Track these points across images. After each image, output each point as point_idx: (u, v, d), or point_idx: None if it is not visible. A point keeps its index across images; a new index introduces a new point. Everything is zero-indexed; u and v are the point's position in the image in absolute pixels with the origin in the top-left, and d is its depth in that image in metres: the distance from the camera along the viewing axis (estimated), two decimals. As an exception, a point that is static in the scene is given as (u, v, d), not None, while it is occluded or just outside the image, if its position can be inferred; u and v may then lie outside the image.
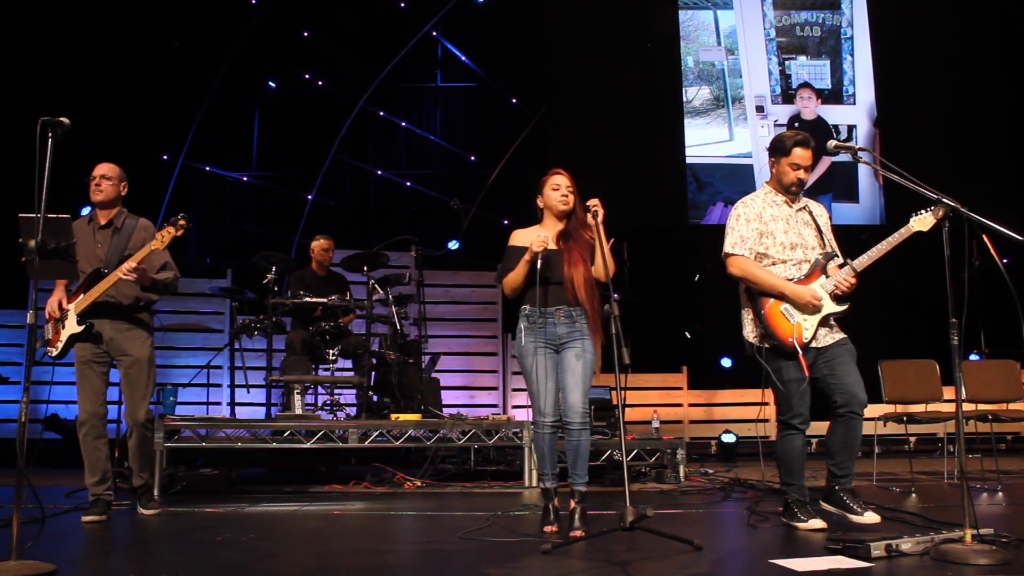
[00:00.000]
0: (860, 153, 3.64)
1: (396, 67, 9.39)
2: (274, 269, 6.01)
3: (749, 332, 3.77)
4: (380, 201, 9.47)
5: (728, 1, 9.63)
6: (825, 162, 9.15)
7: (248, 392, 7.03)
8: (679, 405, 8.02)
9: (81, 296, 4.07)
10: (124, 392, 4.19)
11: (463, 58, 9.55)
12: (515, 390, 8.14)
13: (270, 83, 9.34)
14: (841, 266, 3.70)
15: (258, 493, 5.17)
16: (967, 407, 5.40)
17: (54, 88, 7.92)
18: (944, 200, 3.14)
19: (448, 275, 8.39)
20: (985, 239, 3.09)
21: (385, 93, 9.47)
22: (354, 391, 6.40)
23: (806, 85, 9.52)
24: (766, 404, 7.14)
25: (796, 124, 9.34)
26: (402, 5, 9.50)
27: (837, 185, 9.37)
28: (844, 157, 4.27)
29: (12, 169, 5.64)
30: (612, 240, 3.66)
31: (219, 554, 3.22)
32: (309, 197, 9.21)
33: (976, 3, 9.59)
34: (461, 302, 8.38)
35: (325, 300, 5.92)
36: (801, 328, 3.63)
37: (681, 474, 5.61)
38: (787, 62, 9.55)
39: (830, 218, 3.96)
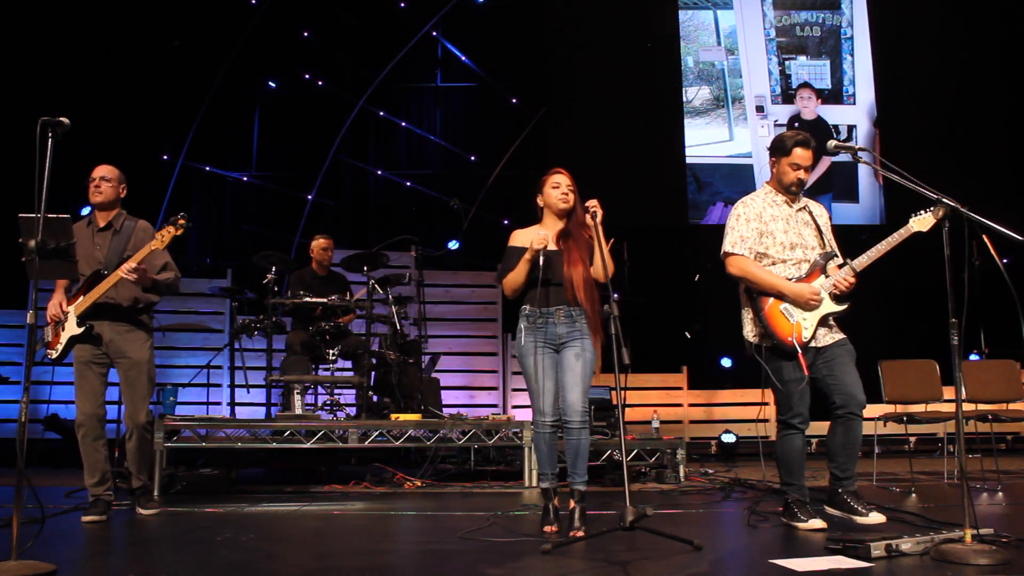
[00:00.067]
0: (860, 153, 3.64)
1: (396, 67, 9.39)
2: (274, 269, 6.01)
3: (749, 332, 3.78)
4: (380, 201, 9.47)
5: (728, 1, 9.63)
6: (825, 162, 9.15)
7: (248, 392, 7.03)
8: (679, 405, 8.02)
9: (81, 298, 4.07)
10: (124, 394, 4.19)
11: (463, 58, 9.55)
12: (515, 390, 8.14)
13: (270, 83, 9.34)
14: (841, 266, 3.70)
15: (258, 493, 5.17)
16: (967, 407, 5.40)
17: (54, 88, 7.92)
18: (944, 200, 3.14)
19: (448, 275, 8.39)
20: (985, 239, 3.09)
21: (385, 93, 9.47)
22: (354, 391, 6.40)
23: (806, 85, 9.52)
24: (766, 404, 7.14)
25: (796, 124, 9.34)
26: (402, 5, 9.50)
27: (837, 185, 9.37)
28: (844, 157, 4.27)
29: (12, 169, 5.64)
30: (612, 240, 3.66)
31: (219, 554, 3.22)
32: (309, 197, 9.21)
33: (976, 3, 9.59)
34: (461, 302, 8.38)
35: (325, 300, 5.92)
36: (800, 327, 3.63)
37: (681, 474, 5.61)
38: (787, 62, 9.55)
39: (830, 218, 3.96)
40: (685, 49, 9.58)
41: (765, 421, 7.36)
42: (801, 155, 3.73)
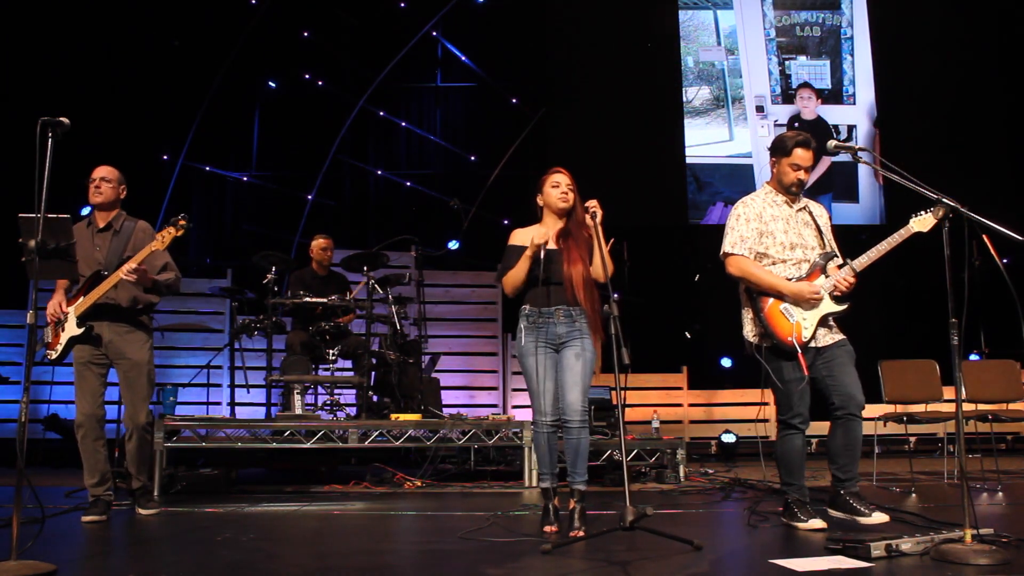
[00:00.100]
0: (860, 153, 3.64)
1: (396, 67, 9.39)
2: (274, 269, 6.01)
3: (749, 331, 3.78)
4: (380, 201, 9.47)
5: (728, 1, 9.63)
6: (825, 162, 9.15)
7: (248, 392, 7.03)
8: (679, 405, 8.02)
9: (81, 299, 4.07)
10: (123, 395, 4.19)
11: (463, 58, 9.55)
12: (515, 390, 8.14)
13: (270, 83, 9.34)
14: (841, 266, 3.70)
15: (258, 493, 5.17)
16: (967, 407, 5.40)
17: (54, 88, 7.92)
18: (944, 200, 3.14)
19: (448, 275, 8.39)
20: (985, 239, 3.09)
21: (385, 93, 9.47)
22: (354, 391, 6.40)
23: (806, 85, 9.52)
24: (766, 404, 7.15)
25: (796, 124, 9.34)
26: (402, 5, 9.50)
27: (837, 185, 9.37)
28: (844, 157, 4.27)
29: (12, 169, 5.64)
30: (612, 241, 3.66)
31: (219, 554, 3.22)
32: (309, 197, 9.21)
33: (976, 3, 9.59)
34: (461, 302, 8.38)
35: (325, 300, 5.92)
36: (800, 327, 3.63)
37: (681, 474, 5.61)
38: (787, 62, 9.55)
39: (830, 218, 3.96)
40: (685, 49, 9.58)
41: (765, 421, 7.36)
42: (802, 156, 3.73)
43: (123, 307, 4.15)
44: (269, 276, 5.98)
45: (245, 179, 9.24)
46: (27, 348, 3.14)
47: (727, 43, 9.59)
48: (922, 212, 3.54)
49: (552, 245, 3.67)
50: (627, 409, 7.08)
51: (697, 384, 8.14)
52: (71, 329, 4.06)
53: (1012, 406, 5.58)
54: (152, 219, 4.43)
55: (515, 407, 7.95)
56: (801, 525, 3.58)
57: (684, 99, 9.50)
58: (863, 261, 3.64)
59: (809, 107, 9.48)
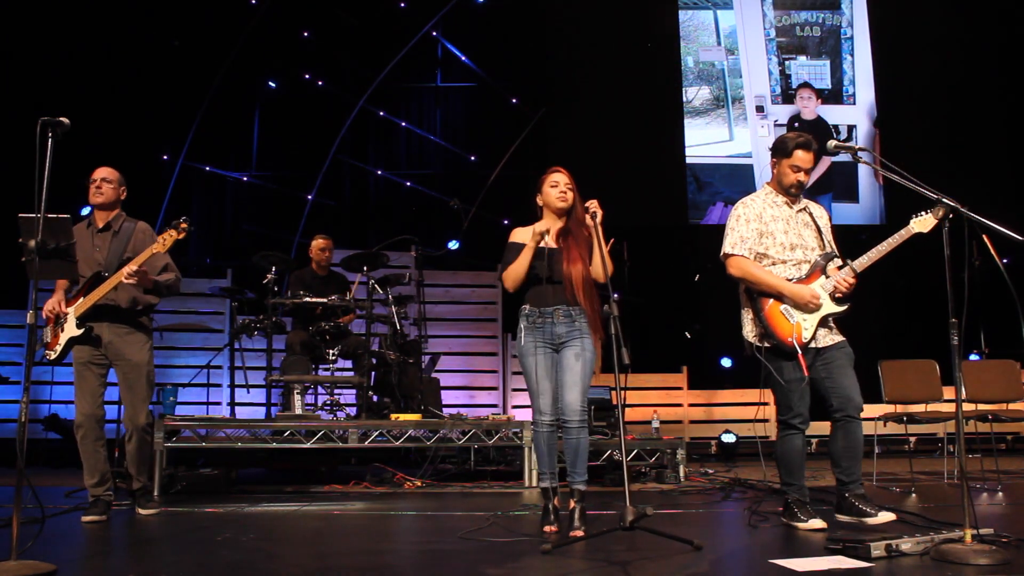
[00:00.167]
0: (860, 153, 3.64)
1: (396, 67, 9.39)
2: (274, 269, 6.01)
3: (749, 332, 3.78)
4: (380, 201, 9.47)
5: (728, 1, 9.63)
6: (825, 162, 9.15)
7: (248, 392, 7.03)
8: (679, 405, 8.02)
9: (81, 299, 4.07)
10: (123, 396, 4.19)
11: (463, 58, 9.55)
12: (515, 390, 8.14)
13: (270, 83, 9.34)
14: (841, 267, 3.70)
15: (258, 493, 5.17)
16: (967, 407, 5.40)
17: (54, 88, 7.92)
18: (944, 200, 3.15)
19: (448, 275, 8.39)
20: (985, 239, 3.09)
21: (385, 93, 9.47)
22: (354, 391, 6.40)
23: (806, 85, 9.52)
24: (766, 404, 7.14)
25: (796, 124, 9.34)
26: (402, 5, 9.50)
27: (837, 185, 9.37)
28: (844, 157, 4.27)
29: (12, 169, 5.64)
30: (611, 241, 3.66)
31: (219, 554, 3.22)
32: (309, 197, 9.21)
33: (976, 3, 9.59)
34: (461, 302, 8.39)
35: (325, 300, 5.92)
36: (800, 328, 3.63)
37: (681, 474, 5.61)
38: (787, 62, 9.55)
39: (830, 219, 3.96)
40: (685, 49, 9.58)
41: (765, 421, 7.36)
42: (802, 157, 3.73)
43: (123, 308, 4.15)
44: (269, 276, 5.98)
45: (245, 179, 9.24)
46: (27, 348, 3.14)
47: (727, 43, 9.59)
48: (922, 213, 3.54)
49: (552, 244, 3.67)
50: (627, 409, 7.08)
51: (697, 384, 8.14)
52: (71, 330, 4.06)
53: (1012, 406, 5.59)
54: (152, 219, 4.43)
55: (515, 407, 7.95)
56: (801, 525, 3.58)
57: (684, 99, 9.50)
58: (863, 262, 3.64)
59: (809, 107, 9.48)
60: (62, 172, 3.32)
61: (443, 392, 6.89)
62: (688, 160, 9.38)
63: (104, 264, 4.12)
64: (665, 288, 8.85)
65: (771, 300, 3.68)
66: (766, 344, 3.69)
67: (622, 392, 3.28)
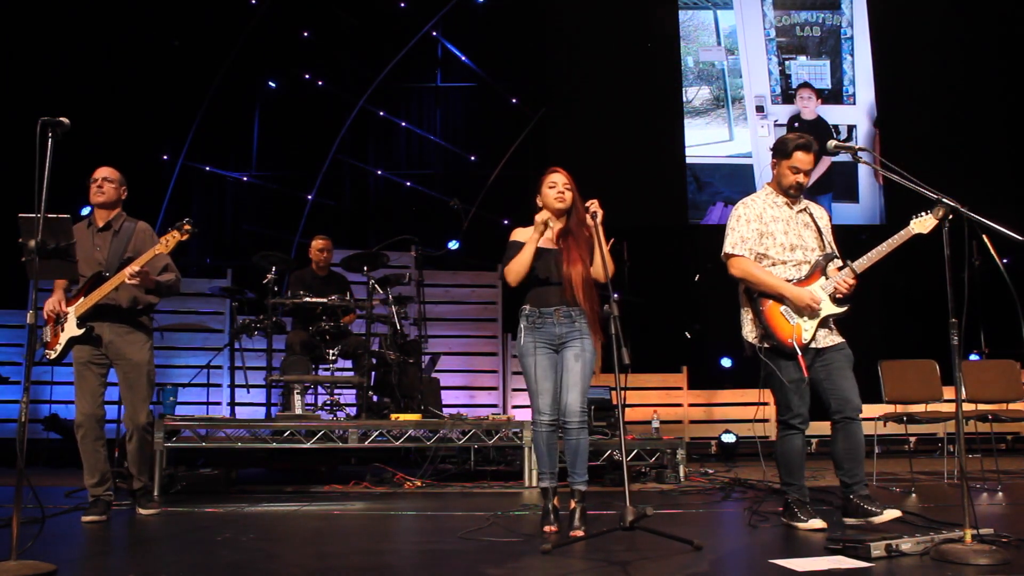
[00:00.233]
0: (860, 153, 3.64)
1: (396, 67, 9.39)
2: (274, 269, 6.01)
3: (748, 332, 3.78)
4: (380, 201, 9.47)
5: (728, 1, 9.63)
6: (825, 162, 9.14)
7: (248, 392, 7.03)
8: (679, 405, 8.02)
9: (81, 299, 4.07)
10: (124, 396, 4.19)
11: (463, 58, 9.55)
12: (515, 390, 8.14)
13: (270, 83, 9.34)
14: (841, 268, 3.70)
15: (258, 493, 5.17)
16: (967, 407, 5.40)
17: (54, 88, 7.92)
18: (944, 200, 3.15)
19: (448, 275, 8.39)
20: (985, 239, 3.09)
21: (385, 93, 9.47)
22: (354, 391, 6.40)
23: (806, 85, 9.52)
24: (766, 404, 7.13)
25: (796, 124, 9.34)
26: (402, 5, 9.50)
27: (837, 185, 9.37)
28: (844, 157, 4.28)
29: (12, 169, 5.64)
30: (611, 240, 3.66)
31: (219, 554, 3.22)
32: (309, 197, 9.21)
33: (976, 3, 9.59)
34: (461, 302, 8.39)
35: (325, 300, 5.92)
36: (800, 329, 3.63)
37: (681, 474, 5.61)
38: (787, 62, 9.55)
39: (830, 220, 3.96)
40: (685, 49, 9.58)
41: (765, 421, 7.36)
42: (802, 159, 3.73)
43: (123, 308, 4.15)
44: (269, 276, 5.98)
45: (245, 179, 9.24)
46: (27, 348, 3.14)
47: (727, 43, 9.59)
48: (922, 213, 3.54)
49: (552, 245, 3.67)
50: (627, 409, 7.08)
51: (697, 384, 8.14)
52: (71, 329, 4.06)
53: (1012, 406, 5.59)
54: (152, 219, 4.43)
55: (515, 407, 7.95)
56: (801, 525, 3.58)
57: (684, 99, 9.50)
58: (863, 263, 3.64)
59: (809, 107, 9.48)
60: (62, 172, 3.32)
61: (443, 392, 6.89)
62: (688, 160, 9.37)
63: (105, 264, 4.12)
64: (665, 288, 8.85)
65: (771, 301, 3.68)
66: (766, 344, 3.69)
67: (622, 392, 3.28)
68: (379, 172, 9.43)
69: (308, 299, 5.92)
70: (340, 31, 9.25)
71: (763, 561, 2.97)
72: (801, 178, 3.75)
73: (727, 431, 7.54)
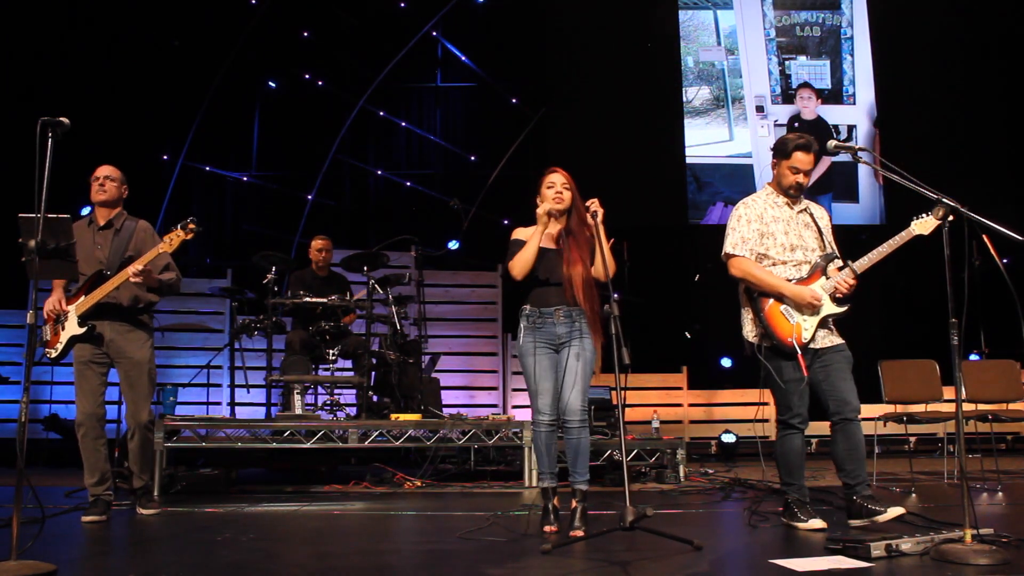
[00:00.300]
0: (860, 153, 3.63)
1: (396, 67, 9.39)
2: (274, 269, 6.01)
3: (749, 332, 3.78)
4: (380, 201, 9.47)
5: (728, 1, 9.63)
6: (825, 162, 9.14)
7: (248, 392, 7.03)
8: (679, 405, 8.02)
9: (82, 298, 4.07)
10: (125, 394, 4.19)
11: (463, 58, 9.55)
12: (515, 390, 8.14)
13: (270, 83, 9.34)
14: (841, 268, 3.70)
15: (258, 493, 5.17)
16: (967, 407, 5.40)
17: (54, 88, 7.92)
18: (944, 200, 3.14)
19: (448, 275, 8.39)
20: (985, 239, 3.09)
21: (385, 93, 9.47)
22: (354, 391, 6.40)
23: (806, 85, 9.52)
24: (766, 404, 7.12)
25: (796, 124, 9.34)
26: (402, 5, 9.50)
27: (837, 185, 9.37)
28: (844, 157, 4.28)
29: (12, 169, 5.64)
30: (612, 240, 3.66)
31: (219, 554, 3.22)
32: (309, 197, 9.21)
33: (976, 3, 9.59)
34: (461, 302, 8.39)
35: (325, 300, 5.92)
36: (800, 328, 3.63)
37: (681, 474, 5.61)
38: (787, 62, 9.55)
39: (831, 220, 3.96)
40: (685, 49, 9.58)
41: (765, 421, 7.36)
42: (801, 159, 3.72)
43: (124, 306, 4.15)
44: (269, 276, 5.98)
45: (245, 179, 9.24)
46: (27, 348, 3.14)
47: (727, 43, 9.59)
48: (924, 215, 3.54)
49: (552, 245, 3.67)
50: (627, 409, 7.07)
51: (697, 384, 8.14)
52: (72, 328, 4.06)
53: (1012, 406, 5.59)
54: (152, 219, 4.43)
55: (515, 407, 7.95)
56: (801, 525, 3.58)
57: (684, 99, 9.50)
58: (864, 263, 3.64)
59: (809, 107, 9.48)
60: (62, 172, 3.32)
61: (443, 392, 6.89)
62: (688, 160, 9.38)
63: (106, 262, 4.12)
64: (665, 288, 8.85)
65: (771, 300, 3.68)
66: (766, 344, 3.69)
67: (622, 392, 3.28)
68: (379, 172, 9.43)
69: (308, 299, 5.92)
70: (340, 31, 9.25)
71: (763, 561, 2.97)
72: (801, 178, 3.75)
73: (727, 431, 7.54)
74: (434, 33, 9.53)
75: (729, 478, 5.67)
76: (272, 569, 2.97)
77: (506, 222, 8.50)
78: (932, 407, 5.42)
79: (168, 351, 7.62)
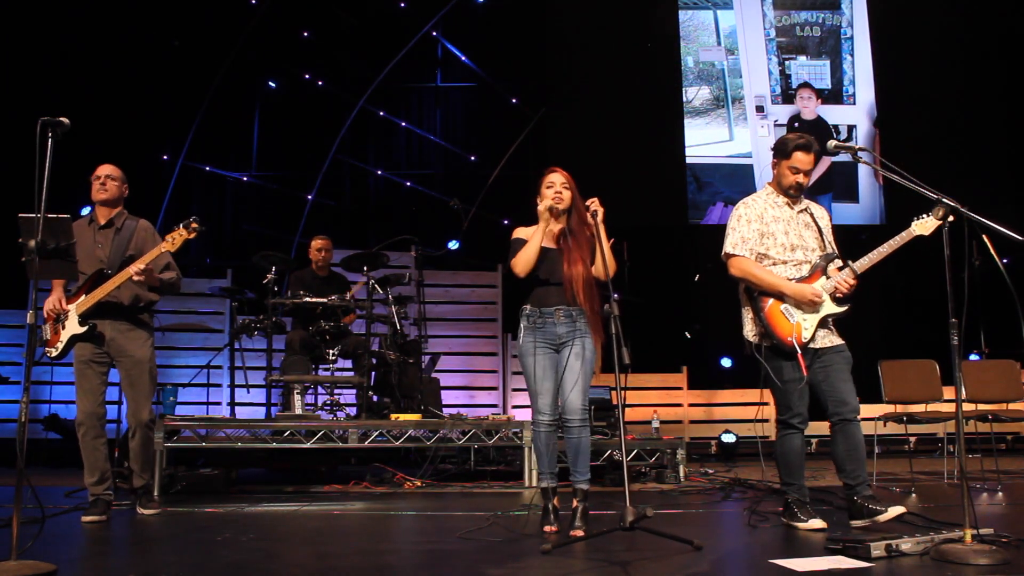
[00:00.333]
0: (860, 153, 3.63)
1: (396, 67, 9.39)
2: (274, 269, 6.01)
3: (749, 331, 3.78)
4: (380, 201, 9.47)
5: (728, 1, 9.63)
6: (825, 162, 9.15)
7: (248, 392, 7.03)
8: (679, 405, 8.02)
9: (83, 297, 4.07)
10: (126, 393, 4.19)
11: (463, 58, 9.55)
12: (515, 390, 8.14)
13: (270, 83, 9.34)
14: (841, 268, 3.70)
15: (258, 493, 5.17)
16: (967, 407, 5.40)
17: (54, 88, 7.92)
18: (944, 200, 3.14)
19: (448, 275, 8.39)
20: (985, 239, 3.09)
21: (385, 93, 9.47)
22: (354, 391, 6.40)
23: (806, 85, 9.52)
24: (766, 404, 7.13)
25: (796, 124, 9.34)
26: (402, 5, 9.50)
27: (837, 185, 9.37)
28: (844, 157, 4.28)
29: (12, 169, 5.64)
30: (612, 240, 3.66)
31: (219, 554, 3.22)
32: (309, 197, 9.22)
33: (976, 3, 9.59)
34: (461, 302, 8.39)
35: (325, 300, 5.92)
36: (800, 328, 3.63)
37: (681, 474, 5.61)
38: (787, 62, 9.55)
39: (831, 220, 3.96)
40: (685, 49, 9.58)
41: (765, 421, 7.36)
42: (801, 159, 3.72)
43: (125, 305, 4.15)
44: (269, 276, 5.98)
45: (245, 179, 9.24)
46: (27, 348, 3.14)
47: (727, 43, 9.59)
48: (924, 215, 3.54)
49: (553, 245, 3.67)
50: (627, 409, 7.07)
51: (697, 384, 8.14)
52: (73, 327, 4.06)
53: (1012, 406, 5.58)
54: (152, 219, 4.43)
55: (515, 407, 7.95)
56: (801, 525, 3.58)
57: (684, 99, 9.50)
58: (864, 263, 3.64)
59: (809, 107, 9.48)
60: (62, 172, 3.32)
61: (443, 392, 6.89)
62: (688, 160, 9.38)
63: (107, 262, 4.12)
64: (665, 288, 8.85)
65: (771, 300, 3.68)
66: (766, 343, 3.69)
67: (622, 392, 3.28)
68: (379, 172, 9.43)
69: (308, 299, 5.92)
70: (340, 31, 9.25)
71: (763, 561, 2.97)
72: (801, 178, 3.75)
73: (727, 431, 7.54)
74: (434, 33, 9.53)
75: (729, 478, 5.67)
76: (272, 569, 2.97)
77: (506, 222, 8.50)
78: (932, 407, 5.42)
79: (168, 351, 7.62)
